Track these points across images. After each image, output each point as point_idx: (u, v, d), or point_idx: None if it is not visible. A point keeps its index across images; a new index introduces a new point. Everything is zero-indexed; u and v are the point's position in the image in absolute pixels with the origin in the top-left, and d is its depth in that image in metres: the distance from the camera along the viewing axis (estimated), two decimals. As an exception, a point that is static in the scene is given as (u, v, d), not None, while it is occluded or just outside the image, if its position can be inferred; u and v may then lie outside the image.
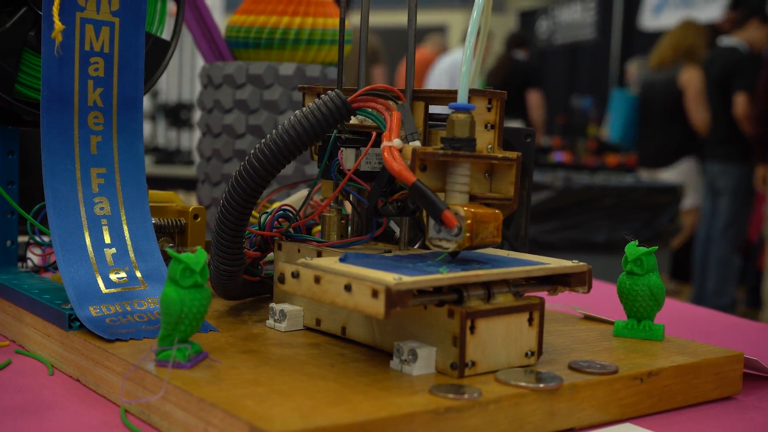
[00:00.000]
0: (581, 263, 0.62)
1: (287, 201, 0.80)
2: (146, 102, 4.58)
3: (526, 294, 0.59)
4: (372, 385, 0.52)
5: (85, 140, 0.68)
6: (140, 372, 0.54)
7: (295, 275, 0.57)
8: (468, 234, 0.56)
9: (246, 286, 0.71)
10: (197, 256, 0.55)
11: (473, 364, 0.55)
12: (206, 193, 1.03)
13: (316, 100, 0.61)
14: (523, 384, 0.53)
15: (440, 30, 6.24)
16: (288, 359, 0.58)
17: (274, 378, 0.53)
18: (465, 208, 0.56)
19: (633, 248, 0.67)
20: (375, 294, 0.52)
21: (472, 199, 0.60)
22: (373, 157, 0.66)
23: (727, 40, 3.98)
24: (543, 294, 0.62)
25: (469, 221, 0.56)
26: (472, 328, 0.55)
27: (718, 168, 3.89)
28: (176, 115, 3.58)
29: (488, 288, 0.57)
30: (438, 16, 9.39)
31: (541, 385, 0.53)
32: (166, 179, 2.95)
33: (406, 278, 0.52)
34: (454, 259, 0.59)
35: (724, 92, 3.79)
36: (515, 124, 5.72)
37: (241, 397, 0.49)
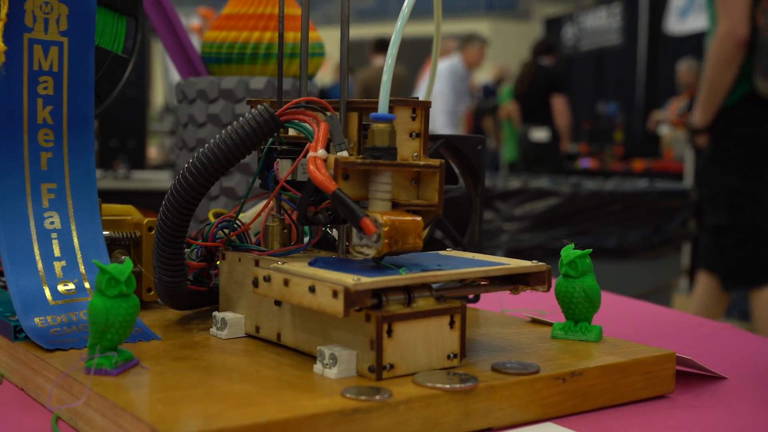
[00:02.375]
0: (540, 263, 0.63)
1: (247, 213, 0.82)
2: (168, 118, 4.65)
3: (451, 297, 0.60)
4: (288, 389, 0.54)
5: (35, 157, 0.70)
6: (69, 380, 0.56)
7: (267, 279, 0.60)
8: (386, 240, 0.57)
9: (195, 296, 0.73)
10: (123, 267, 0.56)
11: (392, 366, 0.56)
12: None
13: (246, 114, 0.62)
14: (438, 385, 0.54)
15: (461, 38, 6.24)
16: (216, 365, 0.60)
17: (194, 383, 0.55)
18: (384, 216, 0.57)
19: (568, 251, 0.68)
20: (335, 294, 0.54)
21: (398, 206, 0.61)
22: (310, 166, 0.68)
23: None
24: (505, 293, 0.64)
25: (386, 228, 0.57)
26: (390, 332, 0.56)
27: None
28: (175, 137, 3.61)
29: (409, 292, 0.58)
30: (463, 25, 9.41)
31: (456, 386, 0.54)
32: (155, 192, 2.95)
33: (365, 279, 0.55)
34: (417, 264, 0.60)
35: None
36: (541, 130, 5.71)
37: (153, 402, 0.51)
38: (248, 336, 0.68)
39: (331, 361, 0.57)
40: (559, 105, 5.68)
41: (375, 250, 0.58)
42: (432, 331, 0.58)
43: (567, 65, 8.23)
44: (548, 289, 0.63)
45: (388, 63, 0.60)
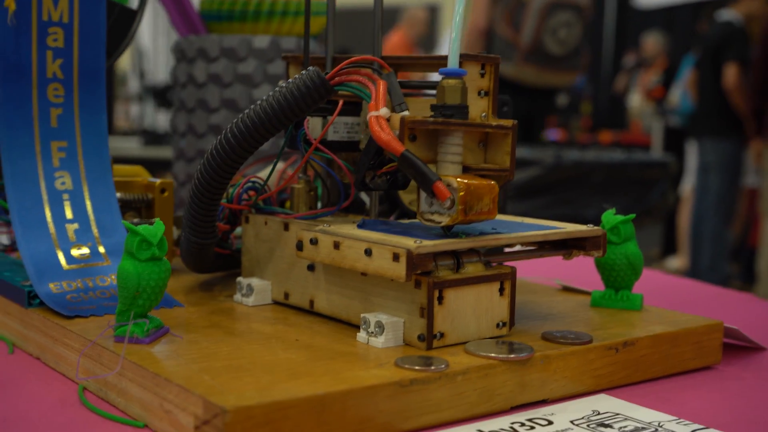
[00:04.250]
0: (596, 227, 0.60)
1: (260, 174, 0.78)
2: (134, 83, 4.56)
3: (502, 264, 0.57)
4: (336, 359, 0.51)
5: (44, 113, 0.66)
6: (97, 348, 0.52)
7: (314, 242, 0.57)
8: (461, 207, 0.53)
9: (217, 259, 0.69)
10: (155, 228, 0.53)
11: (442, 335, 0.53)
12: (181, 170, 1.01)
13: (295, 78, 0.58)
14: (492, 355, 0.51)
15: (431, 8, 6.14)
16: (251, 333, 0.56)
17: (234, 352, 0.51)
18: (458, 179, 0.53)
19: (610, 216, 0.66)
20: (396, 258, 0.51)
21: (466, 170, 0.57)
22: (341, 126, 0.64)
23: (724, 14, 3.95)
24: (558, 258, 0.61)
25: (462, 193, 0.53)
26: (440, 299, 0.53)
27: (708, 143, 3.87)
28: (164, 96, 3.54)
29: (457, 257, 0.55)
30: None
31: (512, 356, 0.51)
32: (154, 161, 2.92)
33: (426, 242, 0.52)
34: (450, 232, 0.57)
35: (716, 66, 3.76)
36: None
37: (197, 372, 0.47)
38: (275, 303, 0.65)
39: (377, 329, 0.54)
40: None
41: (448, 217, 0.54)
42: (482, 298, 0.55)
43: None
44: (603, 254, 0.60)
45: (456, 18, 0.55)
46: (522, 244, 0.57)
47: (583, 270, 0.86)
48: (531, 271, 0.82)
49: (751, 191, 4.23)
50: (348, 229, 0.57)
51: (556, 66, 3.23)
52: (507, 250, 0.63)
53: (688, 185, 4.36)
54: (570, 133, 6.03)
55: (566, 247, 0.60)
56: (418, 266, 0.51)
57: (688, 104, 4.45)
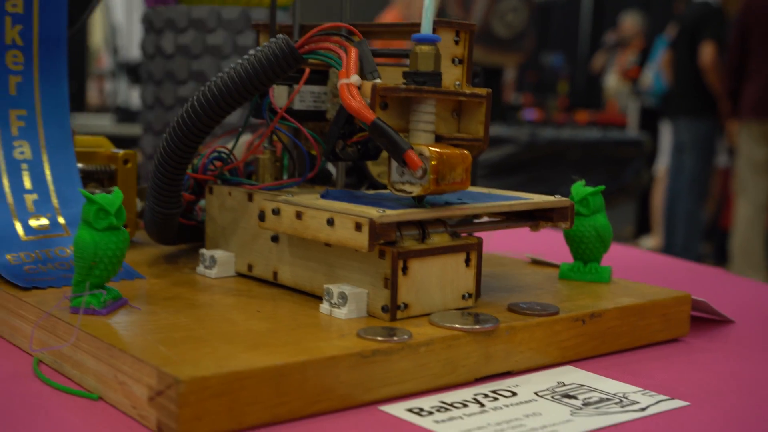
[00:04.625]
0: (564, 198, 0.59)
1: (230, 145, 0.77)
2: (106, 59, 4.51)
3: (466, 234, 0.56)
4: (297, 330, 0.50)
5: (3, 80, 0.64)
6: (53, 320, 0.51)
7: (276, 212, 0.55)
8: (433, 176, 0.52)
9: (184, 230, 0.68)
10: (112, 197, 0.51)
11: (406, 306, 0.52)
12: (149, 143, 0.99)
13: (263, 46, 0.56)
14: (457, 326, 0.50)
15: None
16: (213, 305, 0.55)
17: (193, 324, 0.50)
18: (430, 148, 0.52)
19: (579, 188, 0.65)
20: (358, 227, 0.50)
21: (439, 139, 0.55)
22: (308, 95, 0.63)
23: None
24: (532, 234, 0.60)
25: (434, 162, 0.52)
26: (405, 269, 0.52)
27: (683, 123, 3.87)
28: (137, 72, 3.50)
29: (423, 227, 0.54)
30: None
31: (477, 327, 0.50)
32: (127, 138, 2.88)
33: (390, 211, 0.51)
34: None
35: (692, 46, 3.77)
36: (485, 81, 5.67)
37: (153, 343, 0.46)
38: (239, 275, 0.64)
39: (340, 300, 0.53)
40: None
41: (420, 187, 0.52)
42: (447, 269, 0.54)
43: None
44: (570, 226, 0.59)
45: None
46: (488, 214, 0.56)
47: (558, 244, 0.85)
48: (503, 245, 0.82)
49: (724, 171, 4.25)
50: (311, 199, 0.56)
51: (503, 48, 3.36)
52: (475, 221, 0.62)
53: (662, 165, 4.38)
54: (547, 113, 6.03)
55: (533, 218, 0.59)
56: (381, 236, 0.50)
57: (661, 85, 4.46)
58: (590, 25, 7.22)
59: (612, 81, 5.75)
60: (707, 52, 3.66)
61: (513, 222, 0.59)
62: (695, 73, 3.77)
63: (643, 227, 4.72)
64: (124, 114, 3.37)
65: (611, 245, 0.91)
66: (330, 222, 0.52)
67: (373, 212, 0.50)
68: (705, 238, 4.31)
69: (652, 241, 4.53)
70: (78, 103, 3.48)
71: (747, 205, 3.39)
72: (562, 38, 7.62)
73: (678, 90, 3.94)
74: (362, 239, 0.50)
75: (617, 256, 0.95)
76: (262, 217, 0.56)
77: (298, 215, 0.54)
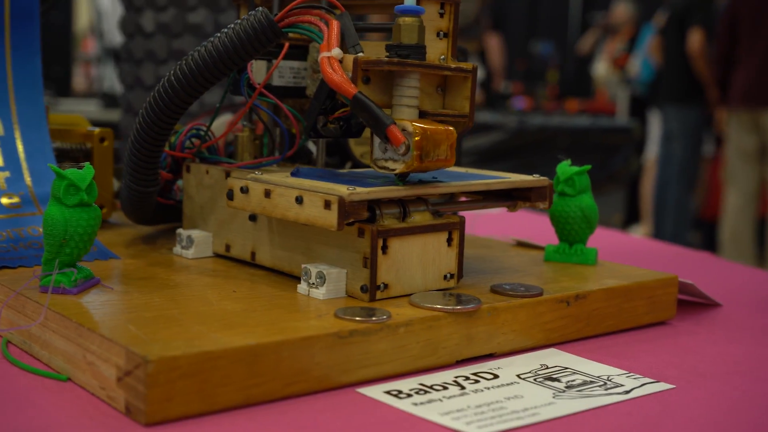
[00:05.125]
0: (543, 178, 0.58)
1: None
2: (92, 44, 4.48)
3: (449, 212, 0.55)
4: (273, 310, 0.48)
5: (-27, 54, 0.62)
6: (21, 299, 0.49)
7: (244, 190, 0.54)
8: (417, 152, 0.50)
9: (160, 210, 0.66)
10: (84, 173, 0.50)
11: (386, 287, 0.51)
12: (129, 124, 0.98)
13: (242, 19, 0.54)
14: (438, 307, 0.49)
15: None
16: (188, 285, 0.54)
17: (166, 304, 0.49)
18: (414, 124, 0.50)
19: (565, 168, 0.64)
20: (327, 205, 0.48)
21: (423, 115, 0.54)
22: (287, 70, 0.61)
23: None
24: (520, 217, 0.58)
25: (417, 138, 0.50)
26: (385, 248, 0.51)
27: (671, 111, 3.86)
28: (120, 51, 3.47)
29: (404, 206, 0.52)
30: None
31: (458, 308, 0.49)
32: (113, 124, 2.86)
33: (360, 189, 0.49)
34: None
35: (681, 32, 3.75)
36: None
37: (123, 322, 0.45)
38: (216, 255, 0.62)
39: (318, 280, 0.51)
40: (493, 44, 5.61)
41: (403, 163, 0.51)
42: (429, 248, 0.53)
43: (502, 5, 8.16)
44: (549, 206, 0.58)
45: None
46: (464, 193, 0.55)
47: (547, 228, 0.84)
48: (491, 228, 0.80)
49: (711, 160, 4.24)
50: (281, 177, 0.54)
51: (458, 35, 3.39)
52: (452, 201, 0.61)
53: (651, 154, 4.37)
54: (536, 101, 6.01)
55: (511, 198, 0.58)
56: (351, 214, 0.48)
57: (649, 73, 4.44)
58: (580, 13, 7.20)
59: (601, 69, 5.73)
60: (695, 39, 3.63)
61: (490, 202, 0.58)
62: (683, 60, 3.75)
63: (632, 216, 4.72)
64: (111, 100, 3.34)
65: (598, 229, 0.90)
66: (299, 200, 0.50)
67: (343, 190, 0.49)
68: (694, 227, 4.30)
69: (641, 229, 4.52)
70: (64, 88, 3.44)
71: (737, 194, 3.38)
72: (552, 26, 7.61)
73: (666, 77, 3.92)
74: (331, 217, 0.48)
75: (604, 240, 0.94)
76: (230, 195, 0.55)
77: (267, 193, 0.52)
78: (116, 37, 3.78)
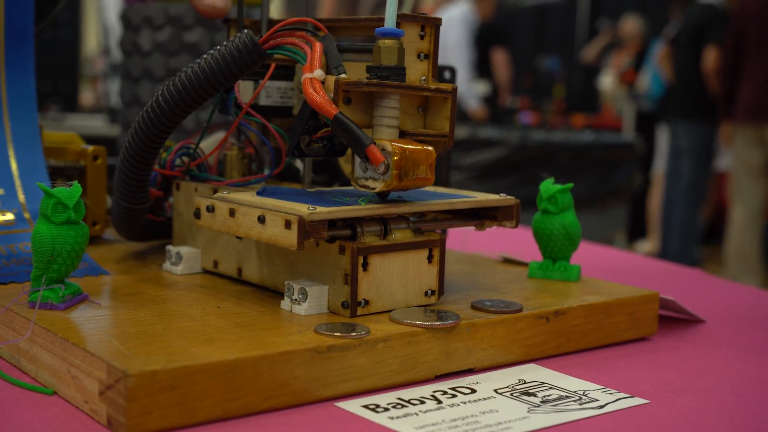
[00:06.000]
0: (509, 197, 0.59)
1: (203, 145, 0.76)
2: (100, 61, 4.51)
3: (428, 230, 0.56)
4: (255, 325, 0.49)
5: (-32, 74, 0.64)
6: (10, 314, 0.51)
7: (210, 209, 0.55)
8: (396, 171, 0.51)
9: (150, 227, 0.68)
10: (71, 191, 0.51)
11: (367, 303, 0.52)
12: (127, 141, 0.99)
13: (227, 41, 0.56)
14: (417, 323, 0.50)
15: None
16: (174, 301, 0.55)
17: (150, 319, 0.50)
18: (393, 144, 0.52)
19: (548, 186, 0.65)
20: (288, 224, 0.49)
21: (404, 135, 0.55)
22: (274, 90, 0.62)
23: None
24: (512, 233, 0.59)
25: (396, 157, 0.51)
26: (365, 265, 0.52)
27: (681, 127, 3.85)
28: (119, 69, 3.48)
29: (385, 223, 0.53)
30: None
31: (437, 323, 0.50)
32: (87, 137, 2.85)
33: (320, 208, 0.50)
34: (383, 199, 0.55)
35: (695, 49, 3.74)
36: (481, 83, 5.65)
37: (108, 337, 0.46)
38: (205, 272, 0.63)
39: (300, 296, 0.52)
40: (500, 59, 5.62)
41: (382, 182, 0.52)
42: (409, 265, 0.54)
43: (509, 20, 8.18)
44: (516, 225, 0.58)
45: None
46: (427, 213, 0.55)
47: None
48: (481, 245, 0.81)
49: (721, 175, 4.23)
50: (247, 196, 0.55)
51: None
52: (420, 220, 0.61)
53: (659, 169, 4.37)
54: (543, 117, 6.03)
55: (479, 217, 0.59)
56: (311, 234, 0.49)
57: (659, 88, 4.44)
58: (587, 28, 7.22)
59: (607, 84, 5.74)
60: (711, 57, 3.62)
61: (458, 221, 0.58)
62: (696, 76, 3.73)
63: (636, 231, 4.72)
64: (116, 115, 3.36)
65: (591, 245, 0.91)
66: (261, 219, 0.51)
67: (304, 209, 0.49)
68: (702, 243, 4.29)
69: (647, 245, 4.52)
70: (71, 104, 3.46)
71: (742, 209, 3.38)
72: (558, 41, 7.63)
73: (677, 93, 3.91)
74: (291, 237, 0.49)
75: (597, 256, 0.95)
76: (197, 214, 0.55)
77: (231, 212, 0.53)
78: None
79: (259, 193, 0.55)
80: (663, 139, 4.26)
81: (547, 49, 7.55)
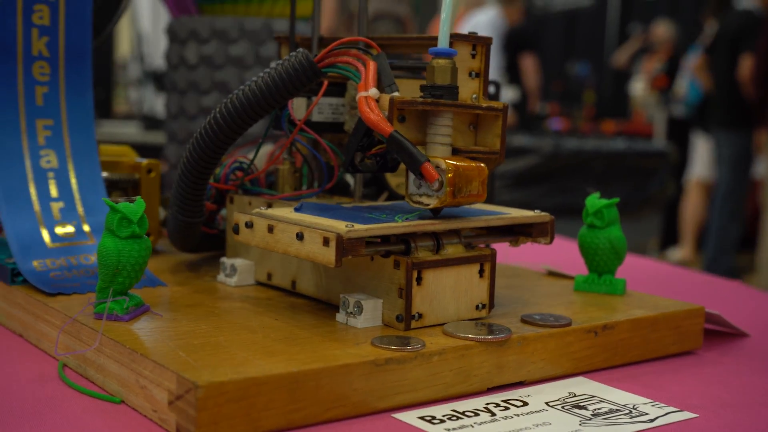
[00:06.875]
0: (544, 213, 0.60)
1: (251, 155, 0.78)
2: (134, 67, 4.56)
3: (480, 246, 0.57)
4: (313, 338, 0.51)
5: (30, 91, 0.66)
6: (77, 325, 0.53)
7: (249, 225, 0.56)
8: (450, 188, 0.53)
9: (204, 239, 0.70)
10: (135, 206, 0.53)
11: (420, 316, 0.53)
12: (173, 152, 1.01)
13: (283, 60, 0.57)
14: (470, 336, 0.51)
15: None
16: (232, 312, 0.57)
17: (212, 331, 0.52)
18: (447, 161, 0.53)
19: (594, 200, 0.66)
20: (326, 242, 0.50)
21: (456, 152, 0.56)
22: (326, 107, 0.64)
23: (745, 2, 3.89)
24: (504, 245, 0.60)
25: (450, 175, 0.53)
26: (419, 280, 0.53)
27: (719, 135, 3.82)
28: (162, 81, 3.53)
29: (437, 239, 0.55)
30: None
31: (489, 337, 0.51)
32: (153, 146, 2.91)
33: (358, 226, 0.51)
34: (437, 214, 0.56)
35: (732, 56, 3.70)
36: (510, 90, 5.64)
37: (173, 349, 0.47)
38: (258, 283, 0.65)
39: (356, 309, 0.54)
40: (529, 64, 5.61)
41: (437, 199, 0.53)
42: (462, 279, 0.55)
43: (540, 26, 8.17)
44: (551, 242, 0.59)
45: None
46: (462, 230, 0.56)
47: (578, 256, 0.86)
48: (522, 257, 0.82)
49: (759, 183, 4.19)
50: (285, 212, 0.56)
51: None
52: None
53: (693, 176, 4.34)
54: (573, 123, 6.01)
55: (513, 233, 0.60)
56: (349, 251, 0.50)
57: (696, 94, 4.41)
58: (617, 33, 7.20)
59: (639, 90, 5.72)
60: (747, 65, 3.59)
61: (493, 237, 0.59)
62: (733, 84, 3.70)
63: (669, 239, 4.70)
64: (151, 122, 3.40)
65: (631, 257, 0.92)
66: (299, 236, 0.52)
67: (341, 227, 0.51)
68: (739, 250, 4.24)
69: (680, 252, 4.50)
70: (105, 110, 3.51)
71: (775, 217, 3.35)
72: (588, 46, 7.60)
73: (716, 102, 3.87)
74: (330, 254, 0.50)
75: (636, 268, 0.96)
76: (236, 230, 0.57)
77: (270, 229, 0.54)
78: (156, 60, 3.86)
79: (297, 210, 0.57)
80: (699, 146, 4.24)
81: (576, 55, 7.53)
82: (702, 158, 4.23)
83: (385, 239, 0.54)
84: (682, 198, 4.50)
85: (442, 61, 0.55)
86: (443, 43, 0.55)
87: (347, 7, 3.73)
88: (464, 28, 4.85)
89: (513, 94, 5.56)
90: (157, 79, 3.62)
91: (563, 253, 0.92)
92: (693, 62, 4.44)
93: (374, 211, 0.57)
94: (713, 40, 3.89)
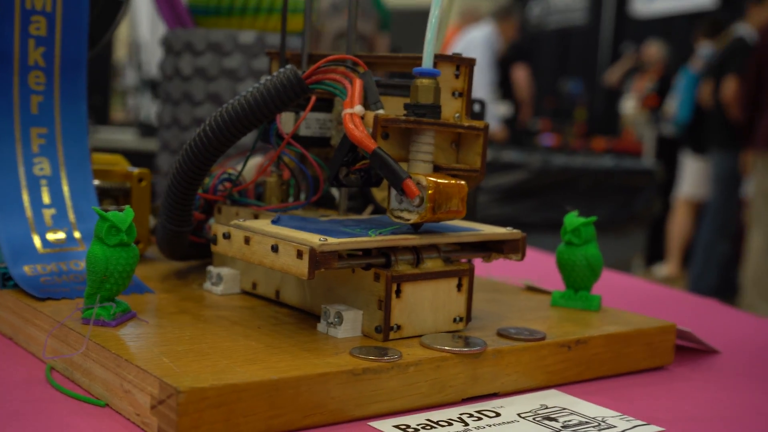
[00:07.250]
0: (515, 230, 0.61)
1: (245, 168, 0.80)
2: (132, 75, 4.59)
3: (459, 260, 0.59)
4: (294, 346, 0.52)
5: (25, 99, 0.68)
6: (65, 329, 0.54)
7: (227, 236, 0.58)
8: (430, 204, 0.54)
9: (192, 247, 0.71)
10: (124, 215, 0.55)
11: (399, 327, 0.55)
12: (165, 161, 1.03)
13: (272, 75, 0.59)
14: (446, 348, 0.53)
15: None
16: (216, 320, 0.58)
17: (197, 338, 0.53)
18: (428, 178, 0.55)
19: (572, 219, 0.67)
20: (299, 254, 0.52)
21: (438, 169, 0.58)
22: (314, 122, 0.66)
23: (740, 29, 3.96)
24: (477, 261, 0.62)
25: (431, 191, 0.54)
26: (398, 292, 0.55)
27: (714, 154, 3.87)
28: (158, 89, 3.55)
29: (417, 253, 0.56)
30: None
31: (465, 349, 0.53)
32: (149, 153, 2.92)
33: (331, 240, 0.53)
34: (417, 228, 0.58)
35: (720, 79, 3.77)
36: (502, 105, 5.67)
37: (158, 355, 0.49)
38: (244, 292, 0.67)
39: (336, 319, 0.55)
40: (520, 76, 5.62)
41: (417, 214, 0.55)
42: (440, 293, 0.57)
43: (534, 43, 8.21)
44: (522, 258, 0.61)
45: (432, 19, 0.57)
46: (436, 245, 0.58)
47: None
48: (504, 271, 0.84)
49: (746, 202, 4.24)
50: (262, 224, 0.58)
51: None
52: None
53: (681, 194, 4.38)
54: (564, 139, 6.05)
55: (485, 249, 0.61)
56: (322, 264, 0.52)
57: (686, 114, 4.46)
58: (610, 52, 7.24)
59: (629, 108, 5.76)
60: (730, 87, 3.65)
61: (466, 252, 0.61)
62: (719, 106, 3.76)
63: (654, 255, 4.73)
64: (147, 129, 3.42)
65: (611, 273, 0.93)
66: (274, 248, 0.54)
67: (315, 240, 0.52)
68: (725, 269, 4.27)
69: (666, 268, 4.53)
70: (102, 117, 3.52)
71: (760, 236, 3.39)
72: (581, 64, 7.65)
73: (707, 122, 3.93)
74: (303, 266, 0.52)
75: (613, 284, 0.98)
76: (214, 240, 0.59)
77: (247, 240, 0.56)
78: (153, 68, 3.87)
79: (274, 222, 0.58)
80: (687, 164, 4.28)
81: (569, 72, 7.58)
82: (690, 177, 4.27)
83: (367, 252, 0.56)
84: (669, 215, 4.54)
85: (425, 81, 0.56)
86: (427, 63, 0.57)
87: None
88: (459, 44, 4.88)
89: (505, 110, 5.58)
90: (154, 87, 3.64)
91: (549, 267, 0.93)
92: (699, 90, 4.47)
93: (350, 225, 0.59)
94: (707, 65, 3.95)
